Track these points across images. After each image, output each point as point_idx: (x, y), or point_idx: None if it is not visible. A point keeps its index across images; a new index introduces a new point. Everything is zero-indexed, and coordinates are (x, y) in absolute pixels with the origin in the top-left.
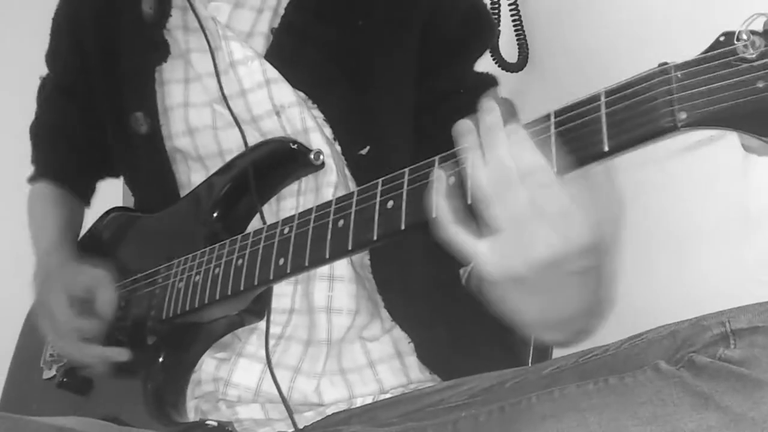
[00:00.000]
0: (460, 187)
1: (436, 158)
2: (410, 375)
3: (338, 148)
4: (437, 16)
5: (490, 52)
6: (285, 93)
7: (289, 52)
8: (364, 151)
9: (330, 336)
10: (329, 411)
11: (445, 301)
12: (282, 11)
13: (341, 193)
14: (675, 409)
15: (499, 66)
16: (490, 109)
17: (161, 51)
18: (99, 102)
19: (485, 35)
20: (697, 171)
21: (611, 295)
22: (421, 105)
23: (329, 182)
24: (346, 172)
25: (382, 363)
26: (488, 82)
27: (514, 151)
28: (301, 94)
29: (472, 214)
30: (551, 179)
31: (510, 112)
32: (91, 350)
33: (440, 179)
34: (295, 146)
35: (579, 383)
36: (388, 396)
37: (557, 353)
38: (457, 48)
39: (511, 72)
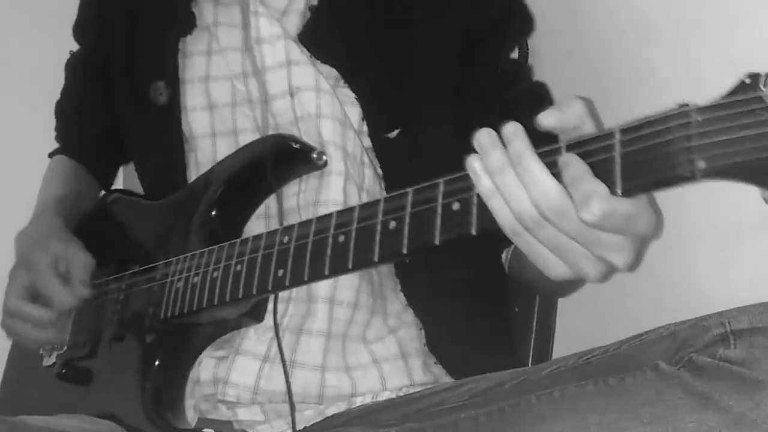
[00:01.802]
0: (467, 214)
1: (441, 180)
2: (414, 377)
3: (365, 128)
4: (477, 1)
5: None
6: (305, 76)
7: (325, 28)
8: (393, 134)
9: (330, 327)
10: (329, 411)
11: (463, 291)
12: None
13: (350, 183)
14: (675, 409)
15: None
16: (515, 135)
17: (187, 23)
18: (117, 72)
19: (525, 22)
20: None
21: None
22: (459, 87)
23: (338, 171)
24: (365, 158)
25: (387, 362)
26: (524, 65)
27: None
28: (324, 83)
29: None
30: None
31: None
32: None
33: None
34: (297, 146)
35: (579, 384)
36: (388, 397)
37: (557, 354)
38: (497, 32)
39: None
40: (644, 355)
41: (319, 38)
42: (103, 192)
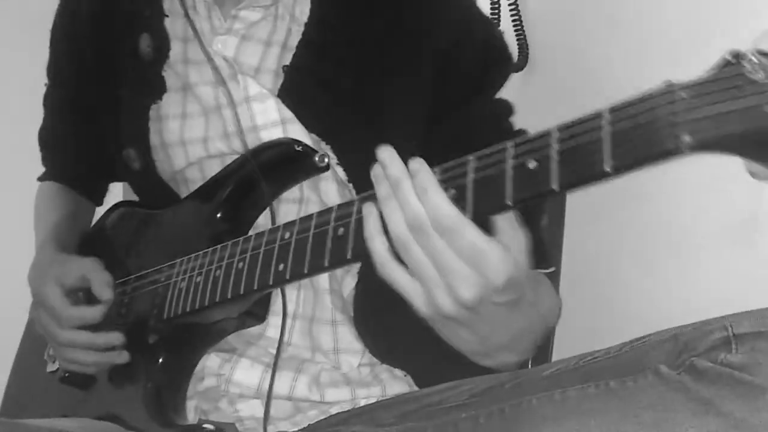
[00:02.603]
0: (461, 201)
1: (436, 169)
2: (412, 385)
3: (353, 190)
4: (452, 55)
5: None
6: (299, 135)
7: (301, 92)
8: None
9: (340, 368)
10: (333, 410)
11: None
12: (291, 47)
13: None
14: (676, 414)
15: None
16: (390, 161)
17: (157, 89)
18: (102, 121)
19: (502, 69)
20: (701, 173)
21: (547, 316)
22: (435, 138)
23: None
24: None
25: (387, 371)
26: (504, 111)
27: (422, 200)
28: (314, 136)
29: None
30: (460, 223)
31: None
32: (93, 338)
33: (371, 214)
34: (300, 148)
35: (580, 386)
36: (388, 396)
37: (556, 356)
38: (475, 85)
39: (511, 72)
40: (646, 358)
41: (296, 101)
42: (96, 208)
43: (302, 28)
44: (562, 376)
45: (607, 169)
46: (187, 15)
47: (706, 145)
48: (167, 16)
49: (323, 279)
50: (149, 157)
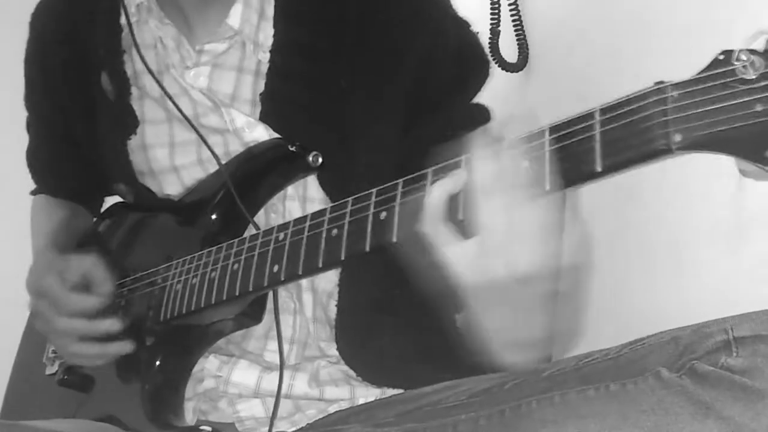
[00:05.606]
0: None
1: (430, 170)
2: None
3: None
4: (426, 67)
5: (491, 52)
6: None
7: (280, 117)
8: None
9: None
10: (332, 409)
11: (416, 353)
12: (263, 73)
13: None
14: (676, 418)
15: (499, 66)
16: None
17: (128, 124)
18: (85, 153)
19: (479, 74)
20: (695, 172)
21: (576, 328)
22: (410, 149)
23: None
24: None
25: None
26: (480, 118)
27: (516, 160)
28: None
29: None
30: (545, 194)
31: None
32: (90, 325)
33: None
34: (293, 148)
35: (580, 389)
36: (387, 396)
37: (556, 357)
38: (450, 93)
39: (511, 72)
40: (645, 360)
41: (276, 126)
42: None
43: (268, 55)
44: (561, 377)
45: (599, 169)
46: (138, 51)
47: (696, 144)
48: (125, 51)
49: (308, 307)
50: (138, 188)
